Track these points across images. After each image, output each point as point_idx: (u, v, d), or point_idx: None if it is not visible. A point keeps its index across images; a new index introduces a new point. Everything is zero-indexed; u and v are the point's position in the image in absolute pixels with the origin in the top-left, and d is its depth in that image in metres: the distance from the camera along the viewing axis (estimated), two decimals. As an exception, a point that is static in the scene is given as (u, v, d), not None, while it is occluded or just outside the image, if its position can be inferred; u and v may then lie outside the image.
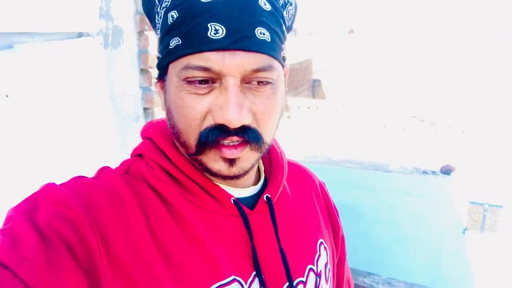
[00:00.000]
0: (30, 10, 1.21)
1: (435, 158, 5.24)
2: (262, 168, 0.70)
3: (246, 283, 0.57)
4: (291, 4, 0.61)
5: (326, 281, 0.71)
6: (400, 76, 17.32)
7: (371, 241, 4.43)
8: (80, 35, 1.44)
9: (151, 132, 0.64)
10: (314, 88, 18.34)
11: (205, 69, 0.51)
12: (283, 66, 0.60)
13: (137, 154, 0.63)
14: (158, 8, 0.57)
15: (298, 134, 7.36)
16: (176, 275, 0.52)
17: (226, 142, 0.53)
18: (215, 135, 0.52)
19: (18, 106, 1.25)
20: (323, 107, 12.24)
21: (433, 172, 4.05)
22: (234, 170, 0.55)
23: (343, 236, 0.83)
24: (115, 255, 0.49)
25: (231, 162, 0.55)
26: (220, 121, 0.51)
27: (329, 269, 0.73)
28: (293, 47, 20.20)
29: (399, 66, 18.93)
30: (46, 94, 1.36)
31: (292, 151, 5.19)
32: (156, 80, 0.60)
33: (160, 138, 0.62)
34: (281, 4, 0.58)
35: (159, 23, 0.57)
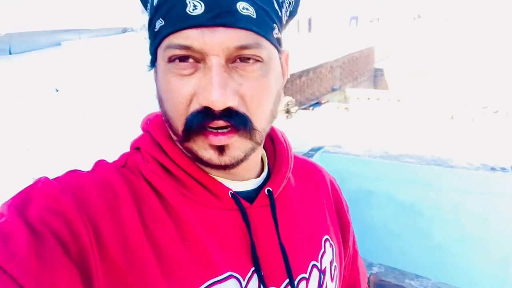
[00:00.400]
0: (76, 8, 1.26)
1: (507, 153, 4.80)
2: (266, 161, 0.67)
3: (244, 279, 0.55)
4: None
5: (332, 279, 0.69)
6: (472, 63, 16.09)
7: (428, 241, 4.20)
8: (124, 30, 1.49)
9: (148, 125, 0.64)
10: (376, 78, 17.61)
11: (186, 48, 0.49)
12: (278, 50, 0.56)
13: (135, 147, 0.63)
14: None
15: (356, 126, 7.13)
16: (168, 271, 0.51)
17: (212, 127, 0.51)
18: (199, 119, 0.50)
19: (67, 99, 1.32)
20: (384, 97, 11.74)
21: (503, 169, 3.71)
22: (225, 159, 0.53)
23: (353, 233, 0.79)
24: (106, 249, 0.49)
25: (221, 150, 0.53)
26: (203, 103, 0.49)
27: (335, 266, 0.70)
28: (353, 35, 19.54)
29: (472, 53, 17.58)
30: (93, 88, 1.42)
31: (348, 144, 5.04)
32: (149, 69, 0.59)
33: (157, 130, 0.60)
34: None
35: (149, 8, 0.55)
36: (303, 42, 16.74)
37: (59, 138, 1.29)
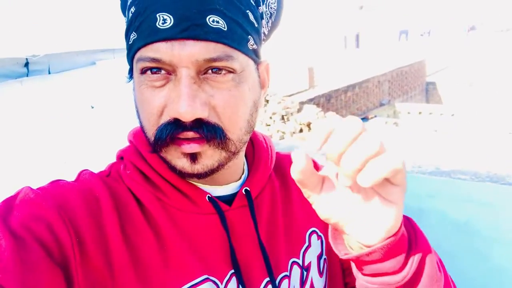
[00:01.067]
0: (110, 28, 1.33)
1: None
2: (245, 163, 0.67)
3: (222, 283, 0.56)
4: None
5: (320, 274, 0.67)
6: (534, 74, 15.05)
7: (487, 263, 3.89)
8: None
9: (132, 135, 0.64)
10: (428, 92, 16.96)
11: (156, 60, 0.50)
12: (255, 61, 0.56)
13: (120, 157, 0.64)
14: (127, 6, 0.56)
15: (406, 141, 6.88)
16: (144, 276, 0.52)
17: (182, 137, 0.51)
18: (168, 131, 0.51)
19: (102, 116, 1.38)
20: (437, 112, 11.24)
21: None
22: (198, 167, 0.53)
23: None
24: (87, 253, 0.50)
25: (193, 158, 0.53)
26: (172, 114, 0.50)
27: (324, 259, 0.68)
28: (403, 49, 19.05)
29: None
30: (127, 106, 1.48)
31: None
32: (127, 80, 0.60)
33: (139, 140, 0.62)
34: None
35: (126, 21, 0.57)
36: (350, 57, 16.55)
37: (93, 152, 1.35)
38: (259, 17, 0.57)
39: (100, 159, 1.45)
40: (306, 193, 0.49)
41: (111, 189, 0.57)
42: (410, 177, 4.37)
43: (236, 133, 0.55)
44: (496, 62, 17.46)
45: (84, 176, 0.59)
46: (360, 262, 0.51)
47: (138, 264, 0.52)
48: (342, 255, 0.52)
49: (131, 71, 0.58)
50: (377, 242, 0.48)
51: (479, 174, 4.04)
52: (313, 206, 0.50)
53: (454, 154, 5.72)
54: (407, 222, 0.56)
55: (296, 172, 0.45)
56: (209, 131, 0.51)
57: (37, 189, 0.54)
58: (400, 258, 0.50)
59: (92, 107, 1.38)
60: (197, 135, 0.51)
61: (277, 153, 0.74)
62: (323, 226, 0.71)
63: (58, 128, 1.31)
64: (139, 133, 0.63)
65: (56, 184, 0.56)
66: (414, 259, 0.51)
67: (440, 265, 0.58)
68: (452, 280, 0.62)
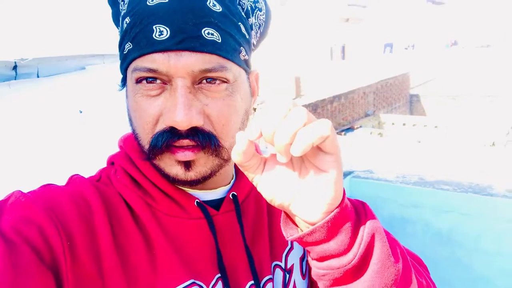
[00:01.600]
0: (100, 33, 1.33)
1: (553, 181, 4.50)
2: (233, 170, 0.68)
3: (208, 287, 0.57)
4: (260, 10, 0.61)
5: (303, 276, 0.68)
6: (513, 88, 15.48)
7: (470, 273, 3.95)
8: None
9: (122, 141, 0.65)
10: (412, 104, 17.26)
11: (152, 71, 0.51)
12: (246, 71, 0.59)
13: (111, 162, 0.65)
14: (120, 16, 0.58)
15: (390, 152, 6.97)
16: (133, 279, 0.53)
17: (177, 145, 0.52)
18: (164, 139, 0.52)
19: (90, 121, 1.37)
20: (421, 123, 11.44)
21: (548, 198, 3.47)
22: (191, 174, 0.54)
23: None
24: (78, 255, 0.50)
25: (187, 165, 0.54)
26: (169, 123, 0.51)
27: (307, 261, 0.68)
28: (388, 61, 19.38)
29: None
30: (115, 111, 1.48)
31: (380, 170, 4.93)
32: (120, 88, 0.61)
33: (130, 146, 0.63)
34: (246, 9, 0.58)
35: (119, 31, 0.59)
36: (336, 68, 16.76)
37: (80, 156, 1.34)
38: (249, 29, 0.59)
39: (87, 163, 1.44)
40: (248, 176, 0.49)
41: (102, 193, 0.57)
42: (393, 186, 4.43)
43: (229, 140, 0.56)
44: (477, 76, 17.91)
45: (75, 181, 0.60)
46: (306, 243, 0.50)
47: (128, 268, 0.53)
48: (287, 236, 0.52)
49: (124, 80, 0.59)
50: (320, 219, 0.47)
51: (461, 185, 4.12)
52: (258, 189, 0.50)
53: (438, 165, 5.82)
54: (361, 206, 0.55)
55: (236, 153, 0.46)
56: (204, 139, 0.52)
57: (28, 193, 0.54)
58: (345, 237, 0.48)
59: (81, 112, 1.38)
60: (192, 143, 0.52)
61: None
62: None
63: (45, 131, 1.30)
64: (130, 139, 0.64)
65: (47, 188, 0.57)
66: (363, 241, 0.49)
67: (401, 253, 0.56)
68: (422, 273, 0.61)
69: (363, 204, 0.56)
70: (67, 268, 0.49)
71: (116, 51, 1.42)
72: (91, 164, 1.47)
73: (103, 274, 0.51)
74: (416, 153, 6.83)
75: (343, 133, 9.17)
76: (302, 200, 0.48)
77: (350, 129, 9.84)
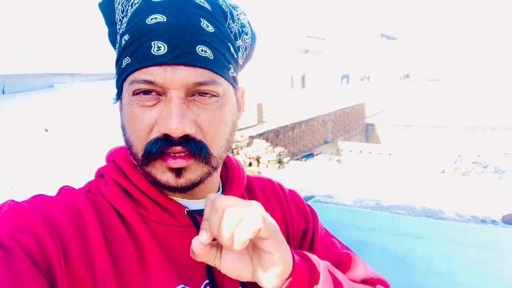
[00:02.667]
0: (70, 52, 1.33)
1: (497, 207, 4.81)
2: (219, 181, 0.72)
3: None
4: (246, 34, 0.66)
5: None
6: (461, 120, 16.54)
7: (424, 295, 4.07)
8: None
9: (112, 154, 0.68)
10: (368, 132, 17.96)
11: (149, 82, 0.55)
12: (234, 86, 0.64)
13: (100, 174, 0.67)
14: (118, 34, 0.62)
15: (348, 177, 7.16)
16: (124, 286, 0.55)
17: (170, 152, 0.55)
18: (159, 146, 0.55)
19: (56, 140, 1.35)
20: (376, 151, 11.90)
21: (493, 222, 3.71)
22: (182, 181, 0.57)
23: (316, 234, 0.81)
24: (72, 262, 0.52)
25: (178, 172, 0.57)
26: (163, 130, 0.54)
27: None
28: (344, 91, 20.19)
29: (461, 110, 18.14)
30: (83, 131, 1.46)
31: (339, 195, 5.05)
32: (114, 101, 0.64)
33: (120, 158, 0.65)
34: (234, 32, 0.63)
35: (117, 48, 0.62)
36: (296, 96, 17.22)
37: (46, 176, 1.31)
38: (237, 50, 0.64)
39: (52, 182, 1.40)
40: (210, 263, 0.55)
41: (93, 203, 0.59)
42: (352, 210, 4.56)
43: (217, 150, 0.60)
44: (427, 108, 19.01)
45: (66, 191, 0.61)
46: None
47: (120, 273, 0.55)
48: None
49: (119, 94, 0.62)
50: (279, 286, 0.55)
51: (415, 209, 4.31)
52: (222, 271, 0.56)
53: (393, 191, 6.06)
54: (314, 263, 0.62)
55: (196, 257, 0.53)
56: (196, 146, 0.56)
57: (22, 202, 0.55)
58: None
59: (46, 131, 1.36)
60: (184, 150, 0.55)
61: (247, 176, 0.80)
62: (290, 237, 0.77)
63: (8, 150, 1.26)
64: (120, 151, 0.67)
65: (40, 198, 0.58)
66: None
67: None
68: None
69: (316, 261, 0.63)
70: (61, 274, 0.50)
71: (87, 71, 1.42)
72: (53, 183, 1.44)
73: (96, 280, 0.53)
74: (373, 179, 7.08)
75: (304, 159, 9.37)
76: (261, 273, 0.55)
77: (311, 155, 10.07)
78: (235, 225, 0.49)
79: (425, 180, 6.90)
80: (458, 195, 5.72)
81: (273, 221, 0.54)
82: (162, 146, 0.55)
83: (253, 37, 0.69)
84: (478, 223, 4.10)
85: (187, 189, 0.59)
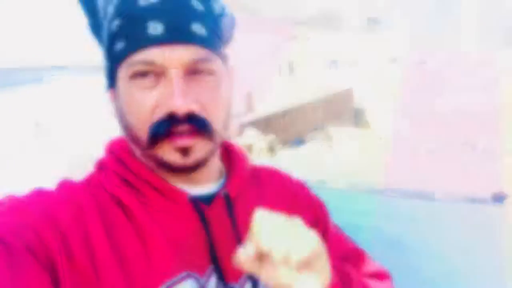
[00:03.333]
0: (60, 46, 1.30)
1: (486, 186, 4.90)
2: (223, 169, 0.72)
3: (202, 277, 0.59)
4: (227, 16, 0.66)
5: None
6: (449, 102, 16.72)
7: (419, 276, 4.15)
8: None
9: (111, 145, 0.67)
10: (357, 117, 18.08)
11: (148, 63, 0.55)
12: (225, 65, 0.64)
13: (99, 166, 0.67)
14: (104, 20, 0.61)
15: (339, 163, 7.21)
16: (129, 276, 0.55)
17: (177, 131, 0.56)
18: (166, 126, 0.55)
19: (47, 133, 1.32)
20: (366, 135, 12.00)
21: (483, 200, 3.78)
22: (189, 160, 0.57)
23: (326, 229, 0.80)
24: (74, 256, 0.52)
25: (185, 152, 0.57)
26: (167, 110, 0.55)
27: None
28: (333, 77, 20.23)
29: (448, 92, 18.31)
30: (74, 123, 1.44)
31: (332, 179, 5.08)
32: (105, 91, 0.64)
33: (118, 148, 0.65)
34: (217, 13, 0.64)
35: (105, 35, 0.61)
36: (284, 83, 17.20)
37: (37, 168, 1.30)
38: (222, 30, 0.65)
39: (44, 178, 1.38)
40: (256, 273, 0.51)
41: (93, 194, 0.59)
42: (345, 195, 4.60)
43: (219, 125, 0.61)
44: (414, 91, 19.14)
45: (65, 184, 0.61)
46: None
47: (123, 262, 0.55)
48: None
49: (110, 81, 0.61)
50: None
51: (407, 192, 4.36)
52: (263, 281, 0.52)
53: (385, 174, 6.12)
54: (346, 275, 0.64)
55: (241, 266, 0.49)
56: (201, 124, 0.57)
57: (22, 197, 0.55)
58: None
59: (37, 124, 1.33)
60: (191, 127, 0.56)
61: (256, 166, 0.79)
62: None
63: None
64: (119, 142, 0.66)
65: (39, 192, 0.58)
66: None
67: None
68: None
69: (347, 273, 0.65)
70: (63, 269, 0.50)
71: (77, 64, 1.39)
72: (47, 177, 1.42)
73: (98, 271, 0.53)
74: (364, 164, 7.13)
75: (295, 146, 9.40)
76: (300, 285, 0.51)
77: (301, 141, 10.11)
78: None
79: (417, 163, 6.97)
80: (449, 176, 5.81)
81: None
82: (169, 125, 0.55)
83: (233, 19, 0.70)
84: (468, 202, 4.18)
85: (193, 169, 0.59)
